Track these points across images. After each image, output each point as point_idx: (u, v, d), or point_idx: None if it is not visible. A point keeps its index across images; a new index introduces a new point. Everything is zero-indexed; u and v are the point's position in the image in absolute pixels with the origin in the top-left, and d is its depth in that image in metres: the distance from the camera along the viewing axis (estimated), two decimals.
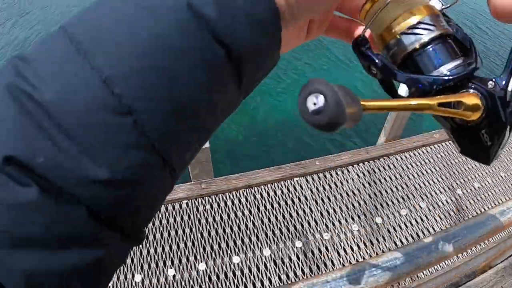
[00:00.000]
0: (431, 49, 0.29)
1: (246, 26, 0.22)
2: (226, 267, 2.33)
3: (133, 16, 0.20)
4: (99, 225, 0.21)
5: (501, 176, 2.95)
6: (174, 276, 2.29)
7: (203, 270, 2.31)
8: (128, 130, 0.20)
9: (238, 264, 2.34)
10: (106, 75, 0.19)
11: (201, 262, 2.34)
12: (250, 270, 2.32)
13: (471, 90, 0.28)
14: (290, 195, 2.64)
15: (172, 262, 2.33)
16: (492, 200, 2.77)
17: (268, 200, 2.60)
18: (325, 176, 2.76)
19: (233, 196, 2.61)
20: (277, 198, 2.62)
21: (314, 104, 0.20)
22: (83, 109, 0.19)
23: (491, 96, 0.27)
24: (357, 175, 2.80)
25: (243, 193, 2.63)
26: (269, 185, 2.68)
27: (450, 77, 0.28)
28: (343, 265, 2.37)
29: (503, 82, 0.27)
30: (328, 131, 0.20)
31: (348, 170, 2.81)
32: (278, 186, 2.68)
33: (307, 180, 2.72)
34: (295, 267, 2.35)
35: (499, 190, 2.84)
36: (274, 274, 2.31)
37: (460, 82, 0.28)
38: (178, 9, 0.20)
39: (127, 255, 0.25)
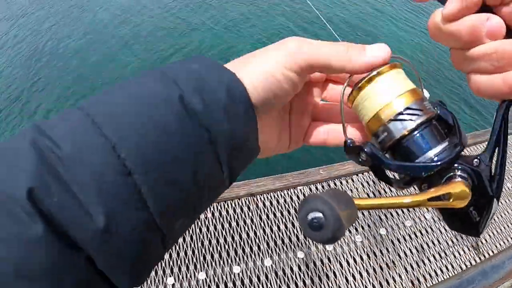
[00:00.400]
0: (418, 134, 0.30)
1: (224, 117, 0.27)
2: (226, 277, 2.29)
3: (136, 106, 0.26)
4: (94, 274, 0.23)
5: (508, 187, 2.89)
6: (173, 285, 2.25)
7: (202, 280, 2.27)
8: (128, 189, 0.24)
9: (238, 274, 2.30)
10: (114, 143, 0.24)
11: (201, 271, 2.30)
12: (250, 281, 2.28)
13: (458, 178, 0.29)
14: (293, 204, 2.60)
15: (172, 270, 2.29)
16: (498, 212, 2.72)
17: (271, 209, 2.57)
18: (329, 185, 2.72)
19: (235, 204, 2.57)
20: (280, 207, 2.58)
21: (315, 221, 0.22)
22: (95, 166, 0.23)
23: (477, 174, 0.29)
24: (362, 184, 2.76)
25: (245, 202, 2.59)
26: (272, 193, 2.64)
27: (438, 163, 0.29)
28: (345, 277, 2.32)
29: (487, 159, 0.28)
30: (331, 243, 0.24)
31: (352, 180, 2.77)
32: (281, 195, 2.64)
33: (310, 189, 2.68)
34: (296, 278, 2.30)
35: (505, 202, 2.79)
36: (275, 285, 2.27)
37: (447, 165, 0.29)
38: (173, 102, 0.26)
39: None
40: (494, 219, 2.68)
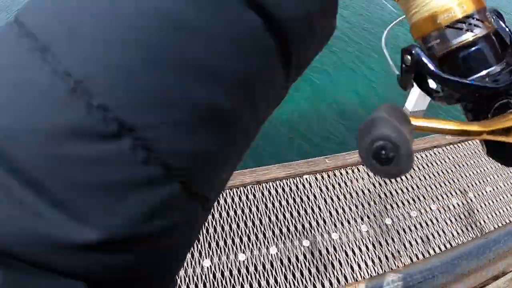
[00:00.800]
0: (476, 49, 0.25)
1: None
2: (231, 264, 2.27)
3: None
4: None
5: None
6: None
7: (207, 267, 2.25)
8: (126, 162, 0.14)
9: (243, 261, 2.28)
10: (74, 79, 0.13)
11: (206, 258, 2.28)
12: (256, 268, 2.27)
13: None
14: (299, 193, 2.58)
15: None
16: (503, 205, 2.72)
17: (276, 198, 2.54)
18: (334, 175, 2.70)
19: (240, 192, 2.55)
20: (285, 195, 2.56)
21: (383, 152, 0.18)
22: (48, 141, 0.13)
23: None
24: (367, 174, 2.74)
25: (250, 189, 2.57)
26: (277, 181, 2.62)
27: (497, 86, 0.25)
28: (351, 266, 2.31)
29: None
30: (395, 177, 0.20)
31: (358, 169, 2.75)
32: (287, 183, 2.62)
33: (316, 178, 2.66)
34: (301, 266, 2.29)
35: (511, 195, 2.78)
36: (280, 273, 2.26)
37: (505, 89, 0.25)
38: None
39: None
40: (497, 214, 2.68)
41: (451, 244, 2.45)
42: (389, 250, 2.40)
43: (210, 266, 2.26)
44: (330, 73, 5.70)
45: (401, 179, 2.75)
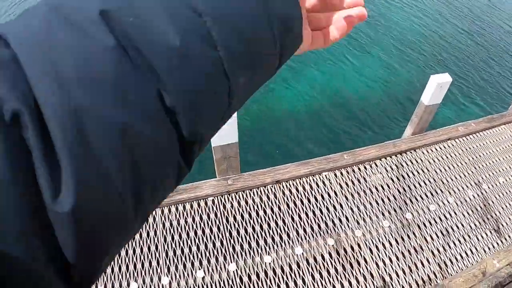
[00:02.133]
0: None
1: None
2: (257, 267, 2.22)
3: None
4: (161, 110, 0.22)
5: None
6: (203, 278, 2.17)
7: (234, 271, 2.20)
8: (199, 25, 0.23)
9: (269, 263, 2.24)
10: (200, 11, 0.23)
11: (231, 262, 2.22)
12: (282, 270, 2.23)
13: None
14: (320, 191, 2.54)
15: (201, 263, 2.20)
16: None
17: (298, 196, 2.49)
18: (353, 171, 2.67)
19: (261, 192, 2.48)
20: (306, 193, 2.51)
21: None
22: None
23: None
24: (385, 169, 2.73)
25: (271, 189, 2.50)
26: (297, 180, 2.56)
27: None
28: (376, 262, 2.32)
29: None
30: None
31: (376, 164, 2.73)
32: (307, 181, 2.57)
33: (335, 175, 2.63)
34: (328, 265, 2.27)
35: None
36: (307, 273, 2.23)
37: None
38: None
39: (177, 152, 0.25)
40: (511, 203, 2.74)
41: (469, 237, 2.50)
42: (411, 244, 2.41)
43: (236, 270, 2.20)
44: (341, 66, 5.64)
45: (418, 173, 2.76)
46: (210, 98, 0.25)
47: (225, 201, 2.42)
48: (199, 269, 2.19)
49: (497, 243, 2.50)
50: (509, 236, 2.54)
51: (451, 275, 2.34)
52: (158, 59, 0.22)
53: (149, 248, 2.20)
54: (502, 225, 2.59)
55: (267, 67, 0.30)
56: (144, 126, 0.21)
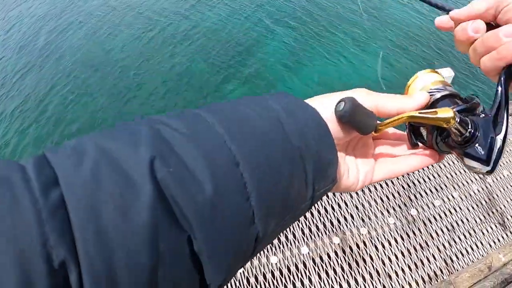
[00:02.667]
0: (443, 100, 0.42)
1: (313, 140, 0.31)
2: (264, 268, 2.23)
3: (249, 117, 0.30)
4: (189, 257, 0.24)
5: None
6: None
7: (240, 273, 2.20)
8: (235, 176, 0.26)
9: (276, 264, 2.25)
10: (226, 138, 0.26)
11: None
12: (289, 270, 2.24)
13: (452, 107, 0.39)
14: None
15: None
16: None
17: None
18: None
19: None
20: None
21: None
22: (209, 149, 0.26)
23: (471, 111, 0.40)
24: None
25: None
26: None
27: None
28: (382, 260, 2.32)
29: (489, 111, 0.39)
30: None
31: None
32: None
33: None
34: (334, 264, 2.28)
35: None
36: (314, 273, 2.24)
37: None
38: (273, 120, 0.30)
39: None
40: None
41: (474, 231, 2.50)
42: (416, 241, 2.42)
43: (243, 271, 2.21)
44: (340, 62, 5.60)
45: (422, 169, 2.74)
46: (236, 245, 0.26)
47: None
48: None
49: (502, 237, 2.50)
50: None
51: (457, 270, 2.34)
52: (192, 210, 0.23)
53: None
54: (507, 218, 2.59)
55: (297, 212, 0.31)
56: (170, 269, 0.23)
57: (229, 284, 2.15)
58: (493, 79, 0.39)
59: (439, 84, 0.43)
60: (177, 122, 0.27)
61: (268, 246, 2.28)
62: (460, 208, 2.58)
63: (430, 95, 0.42)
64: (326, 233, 2.38)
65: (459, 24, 0.41)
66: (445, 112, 0.36)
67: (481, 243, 2.46)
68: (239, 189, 0.25)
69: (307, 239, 2.34)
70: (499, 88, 0.37)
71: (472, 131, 0.37)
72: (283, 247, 2.30)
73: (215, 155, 0.25)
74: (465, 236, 2.47)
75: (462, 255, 2.40)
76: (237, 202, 0.25)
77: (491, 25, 0.40)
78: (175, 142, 0.25)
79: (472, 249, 2.43)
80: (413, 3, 7.32)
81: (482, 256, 2.40)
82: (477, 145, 0.37)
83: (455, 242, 2.44)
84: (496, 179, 2.77)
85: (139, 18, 6.54)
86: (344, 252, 2.34)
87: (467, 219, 2.53)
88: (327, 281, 2.21)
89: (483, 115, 0.38)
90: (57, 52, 5.79)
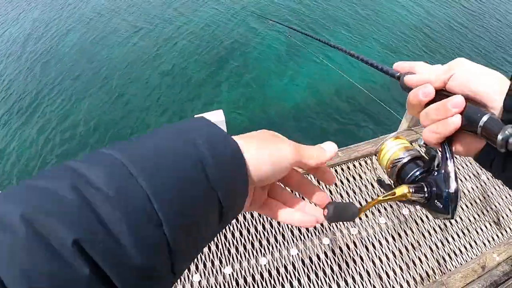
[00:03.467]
0: (406, 166, 0.50)
1: (228, 183, 0.33)
2: (253, 269, 2.23)
3: (163, 161, 0.30)
4: None
5: None
6: (199, 282, 2.18)
7: (229, 274, 2.21)
8: (161, 240, 0.28)
9: (265, 265, 2.25)
10: (149, 194, 0.27)
11: (227, 265, 2.23)
12: (278, 271, 2.24)
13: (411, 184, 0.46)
14: None
15: (197, 267, 2.22)
16: None
17: None
18: (348, 168, 2.64)
19: None
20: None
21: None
22: (134, 214, 0.26)
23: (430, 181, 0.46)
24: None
25: None
26: None
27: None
28: (372, 260, 2.30)
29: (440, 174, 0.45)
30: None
31: (371, 160, 2.70)
32: None
33: None
34: (323, 265, 2.27)
35: None
36: (303, 274, 2.23)
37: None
38: (193, 162, 0.31)
39: None
40: (511, 195, 2.69)
41: (468, 230, 2.46)
42: (408, 241, 2.39)
43: (232, 272, 2.21)
44: (334, 61, 5.57)
45: None
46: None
47: None
48: (195, 273, 2.21)
49: (497, 236, 2.46)
50: (510, 228, 2.49)
51: (449, 270, 2.31)
52: (121, 279, 0.25)
53: None
54: (502, 217, 2.54)
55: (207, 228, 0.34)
56: None
57: (219, 286, 2.17)
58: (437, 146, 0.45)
59: (403, 150, 0.51)
60: (100, 179, 0.27)
61: (257, 248, 2.29)
62: None
63: (399, 160, 0.50)
64: (315, 234, 2.37)
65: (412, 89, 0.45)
66: (401, 190, 0.44)
67: (475, 242, 2.42)
68: (164, 252, 0.28)
69: (296, 240, 2.34)
70: (445, 154, 0.44)
71: (427, 194, 0.44)
72: (273, 248, 2.30)
73: (141, 221, 0.27)
74: (458, 236, 2.44)
75: (455, 254, 2.36)
76: (164, 261, 0.28)
77: (443, 92, 0.43)
78: (102, 210, 0.25)
79: (466, 248, 2.39)
80: (401, 3, 7.24)
81: (476, 255, 2.36)
82: (435, 201, 0.43)
83: (447, 241, 2.41)
84: (491, 176, 2.73)
85: (127, 20, 6.61)
86: (334, 253, 2.33)
87: (460, 218, 2.50)
88: (317, 282, 2.21)
89: (437, 169, 0.45)
90: (45, 57, 5.89)
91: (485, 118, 0.39)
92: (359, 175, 2.62)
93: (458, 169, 2.73)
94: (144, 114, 4.74)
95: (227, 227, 2.34)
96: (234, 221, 2.37)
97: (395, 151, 0.52)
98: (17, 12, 7.43)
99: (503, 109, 0.38)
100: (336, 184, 2.56)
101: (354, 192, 2.54)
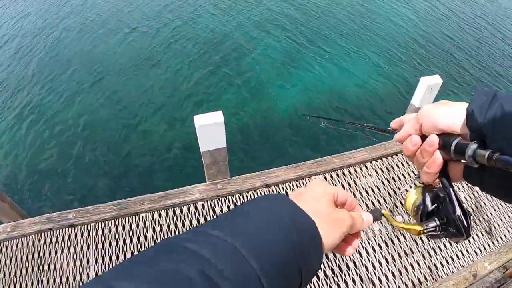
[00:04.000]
0: (424, 207, 0.54)
1: (309, 254, 0.40)
2: None
3: (265, 246, 0.37)
4: None
5: None
6: None
7: None
8: None
9: None
10: (259, 275, 0.34)
11: None
12: None
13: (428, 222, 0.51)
14: None
15: None
16: None
17: None
18: (343, 174, 2.68)
19: (250, 196, 2.50)
20: None
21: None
22: None
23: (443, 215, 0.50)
24: (376, 171, 2.73)
25: (260, 193, 2.52)
26: (287, 183, 2.58)
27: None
28: (365, 266, 2.32)
29: (449, 207, 0.49)
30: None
31: (366, 167, 2.74)
32: (297, 185, 2.58)
33: (325, 178, 2.63)
34: None
35: None
36: None
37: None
38: (285, 242, 0.38)
39: None
40: (503, 205, 2.72)
41: None
42: (401, 247, 2.41)
43: None
44: (332, 68, 5.65)
45: (409, 175, 2.76)
46: None
47: (215, 206, 2.44)
48: None
49: (488, 245, 2.48)
50: (501, 238, 2.52)
51: (441, 277, 2.33)
52: None
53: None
54: (494, 226, 2.58)
55: None
56: None
57: None
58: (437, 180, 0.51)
59: (420, 195, 0.56)
60: (220, 263, 0.32)
61: None
62: None
63: (419, 205, 0.55)
64: None
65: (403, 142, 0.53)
66: (414, 229, 0.51)
67: (467, 250, 2.45)
68: None
69: None
70: (445, 186, 0.50)
71: (438, 227, 0.50)
72: None
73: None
74: (450, 244, 2.47)
75: (447, 262, 2.39)
76: None
77: (425, 136, 0.50)
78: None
79: (458, 256, 2.42)
80: (401, 15, 7.38)
81: (468, 264, 2.39)
82: (449, 228, 0.48)
83: (440, 249, 2.43)
84: None
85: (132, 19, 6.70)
86: (327, 257, 2.35)
87: None
88: (310, 287, 2.22)
89: (443, 201, 0.51)
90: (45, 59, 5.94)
91: (453, 144, 0.45)
92: (354, 181, 2.66)
93: None
94: (138, 113, 4.75)
95: None
96: None
97: (414, 198, 0.56)
98: (14, 8, 7.50)
99: (469, 131, 0.44)
100: None
101: None
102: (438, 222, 0.50)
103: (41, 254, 2.21)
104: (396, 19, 7.25)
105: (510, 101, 0.42)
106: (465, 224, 0.46)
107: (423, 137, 0.50)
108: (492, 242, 2.50)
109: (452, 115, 0.47)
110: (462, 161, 0.47)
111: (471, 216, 0.48)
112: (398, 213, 2.55)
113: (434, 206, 0.52)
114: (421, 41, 6.66)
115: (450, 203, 0.48)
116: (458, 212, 0.47)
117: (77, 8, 7.46)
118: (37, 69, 5.76)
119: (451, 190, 0.48)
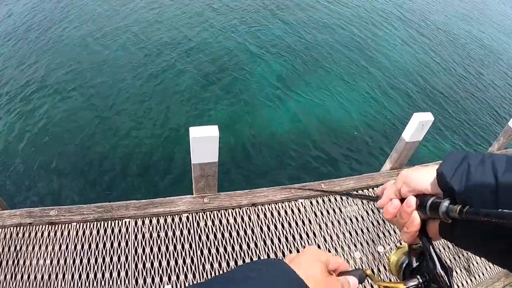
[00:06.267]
0: (406, 267, 0.57)
1: None
2: None
3: None
4: None
5: None
6: None
7: None
8: None
9: None
10: None
11: (200, 280, 2.22)
12: None
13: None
14: (294, 217, 2.58)
15: (169, 278, 2.20)
16: None
17: (272, 221, 2.53)
18: (329, 200, 2.72)
19: (236, 213, 2.52)
20: (281, 218, 2.55)
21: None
22: None
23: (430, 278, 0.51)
24: (361, 201, 2.78)
25: (246, 211, 2.54)
26: (273, 204, 2.61)
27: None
28: None
29: (433, 266, 0.50)
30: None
31: (351, 196, 2.79)
32: (283, 207, 2.61)
33: (311, 203, 2.68)
34: None
35: None
36: None
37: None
38: None
39: None
40: None
41: None
42: (381, 278, 2.42)
43: None
44: (327, 97, 5.82)
45: None
46: None
47: (199, 219, 2.45)
48: (167, 284, 2.19)
49: (467, 282, 2.50)
50: (479, 276, 2.55)
51: None
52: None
53: (119, 259, 2.21)
54: (473, 264, 2.61)
55: None
56: None
57: None
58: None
59: (402, 256, 0.60)
60: None
61: (233, 267, 2.29)
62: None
63: (400, 265, 0.59)
64: None
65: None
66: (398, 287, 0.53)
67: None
68: None
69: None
70: (424, 244, 0.53)
71: (420, 284, 0.52)
72: None
73: None
74: None
75: None
76: None
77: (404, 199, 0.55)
78: None
79: None
80: (398, 50, 7.72)
81: None
82: (432, 284, 0.51)
83: None
84: None
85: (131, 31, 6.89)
86: None
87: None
88: None
89: (424, 258, 0.54)
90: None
91: (428, 202, 0.49)
92: (339, 209, 2.70)
93: None
94: (130, 119, 4.78)
95: (204, 243, 2.35)
96: (212, 237, 2.39)
97: (396, 260, 0.60)
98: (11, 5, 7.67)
99: (441, 190, 0.49)
100: (316, 214, 2.63)
101: (333, 224, 2.60)
102: (420, 280, 0.52)
103: (18, 248, 2.17)
104: (393, 53, 7.57)
105: (476, 159, 0.47)
106: (446, 279, 0.49)
107: (403, 201, 0.55)
108: (470, 279, 2.52)
109: (428, 178, 0.52)
110: (437, 218, 0.50)
111: (452, 272, 0.52)
112: (380, 243, 2.58)
113: (417, 263, 0.55)
114: (420, 75, 6.95)
115: (431, 260, 0.51)
116: (438, 268, 0.50)
117: (73, 13, 7.63)
118: (28, 69, 5.81)
119: (431, 248, 0.51)
